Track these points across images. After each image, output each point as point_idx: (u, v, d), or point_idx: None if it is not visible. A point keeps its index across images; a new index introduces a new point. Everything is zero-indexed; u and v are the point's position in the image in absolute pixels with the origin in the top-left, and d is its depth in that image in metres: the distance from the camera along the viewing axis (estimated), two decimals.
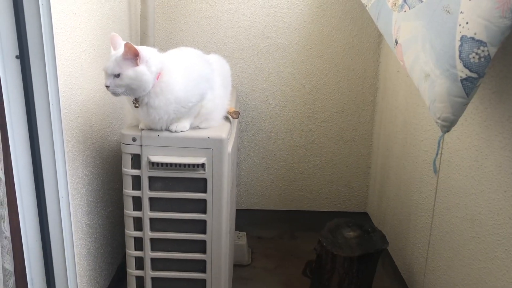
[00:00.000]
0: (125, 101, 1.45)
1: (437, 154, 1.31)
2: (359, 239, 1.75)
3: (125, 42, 1.25)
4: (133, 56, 1.27)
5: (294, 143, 2.41)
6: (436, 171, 1.54)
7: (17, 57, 1.16)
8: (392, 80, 2.09)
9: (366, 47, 2.26)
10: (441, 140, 1.50)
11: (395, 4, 1.26)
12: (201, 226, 1.49)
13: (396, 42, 1.23)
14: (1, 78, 1.14)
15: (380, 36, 2.23)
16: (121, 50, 1.28)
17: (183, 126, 1.42)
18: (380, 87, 2.28)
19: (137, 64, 1.27)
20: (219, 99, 1.52)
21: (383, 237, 1.76)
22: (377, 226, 1.91)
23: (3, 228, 1.22)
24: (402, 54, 1.19)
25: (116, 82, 1.27)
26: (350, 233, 1.79)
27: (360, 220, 1.90)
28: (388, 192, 2.12)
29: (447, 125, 1.01)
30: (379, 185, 2.27)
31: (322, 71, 2.30)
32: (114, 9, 1.78)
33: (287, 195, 2.49)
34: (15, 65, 1.16)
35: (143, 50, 1.29)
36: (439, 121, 1.02)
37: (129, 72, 1.26)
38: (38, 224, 1.30)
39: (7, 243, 1.24)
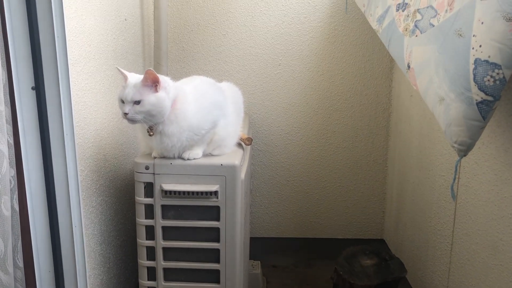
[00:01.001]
0: (139, 130, 1.46)
1: (454, 179, 1.28)
2: (377, 267, 1.70)
3: (147, 69, 1.27)
4: (152, 83, 1.28)
5: (307, 169, 2.39)
6: (454, 196, 1.51)
7: (32, 88, 1.18)
8: (405, 104, 2.08)
9: (378, 72, 2.26)
10: (458, 165, 1.47)
11: (406, 29, 1.26)
12: (214, 255, 1.47)
13: (409, 67, 1.22)
14: (17, 109, 1.16)
15: (392, 60, 2.23)
16: (136, 78, 1.30)
17: (196, 153, 1.42)
18: (394, 111, 2.27)
19: (157, 91, 1.29)
20: (231, 126, 1.52)
21: (401, 265, 1.71)
22: (394, 253, 1.86)
23: (16, 258, 1.22)
24: (415, 79, 1.18)
25: (136, 109, 1.28)
26: (367, 261, 1.74)
27: (377, 247, 1.86)
28: (405, 218, 2.08)
29: (464, 149, 0.99)
30: (396, 211, 2.23)
31: (334, 96, 2.29)
32: (128, 39, 1.81)
33: (302, 222, 2.46)
34: (31, 96, 1.18)
35: (161, 77, 1.31)
36: (455, 145, 1.00)
37: (151, 98, 1.28)
38: (51, 255, 1.29)
39: (20, 274, 1.23)
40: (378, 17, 1.53)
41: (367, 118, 2.31)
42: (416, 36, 1.19)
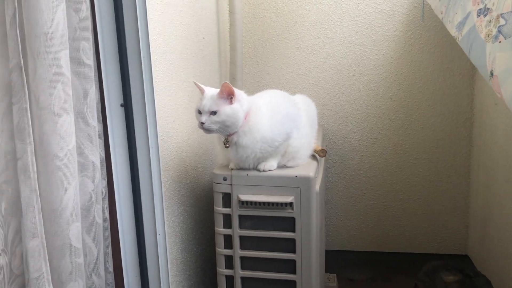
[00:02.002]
0: (216, 142, 1.52)
1: None
2: (460, 284, 1.62)
3: (223, 82, 1.34)
4: (227, 95, 1.35)
5: (384, 182, 2.33)
6: None
7: (121, 105, 1.28)
8: (489, 113, 1.97)
9: (459, 80, 2.16)
10: None
11: (489, 35, 1.21)
12: (290, 266, 1.48)
13: (492, 74, 1.17)
14: (108, 125, 1.27)
15: (473, 68, 2.13)
16: (212, 91, 1.37)
17: (271, 165, 1.45)
18: (476, 121, 2.15)
19: (231, 103, 1.35)
20: (305, 138, 1.53)
21: (487, 283, 1.62)
22: (479, 270, 1.76)
23: (107, 263, 1.31)
24: (499, 86, 1.13)
25: (212, 119, 1.35)
26: (450, 277, 1.66)
27: (461, 263, 1.77)
28: (491, 233, 1.96)
29: None
30: (481, 225, 2.11)
31: (412, 106, 2.23)
32: (206, 57, 1.90)
33: (379, 235, 2.40)
34: (120, 112, 1.28)
35: (236, 90, 1.37)
36: None
37: (226, 109, 1.34)
38: (138, 261, 1.38)
39: (111, 278, 1.33)
40: (457, 23, 1.48)
41: (448, 128, 2.22)
42: (500, 42, 1.14)
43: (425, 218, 2.33)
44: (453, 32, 1.52)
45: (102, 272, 1.27)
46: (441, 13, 1.68)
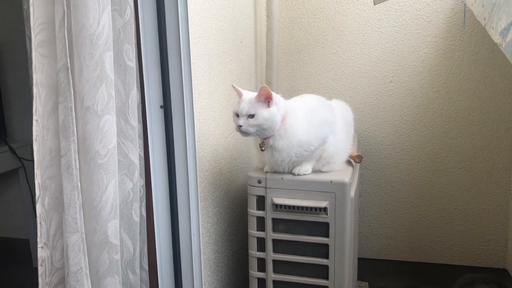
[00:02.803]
0: (252, 146, 1.53)
1: None
2: None
3: (261, 86, 1.35)
4: (265, 99, 1.35)
5: (420, 190, 2.29)
6: None
7: (161, 107, 1.31)
8: None
9: (501, 88, 2.10)
10: None
11: None
12: (323, 272, 1.47)
13: None
14: (148, 125, 1.30)
15: None
16: (250, 94, 1.38)
17: (306, 169, 1.45)
18: None
19: (269, 106, 1.35)
20: (341, 143, 1.52)
21: None
22: None
23: (142, 261, 1.34)
24: None
25: (249, 122, 1.36)
26: None
27: (499, 277, 1.72)
28: None
29: None
30: None
31: (451, 114, 2.18)
32: (243, 60, 1.92)
33: (413, 245, 2.35)
34: (160, 114, 1.31)
35: (274, 93, 1.38)
36: None
37: (264, 112, 1.35)
38: (172, 260, 1.40)
39: (145, 276, 1.35)
40: (501, 30, 1.44)
41: (488, 137, 2.16)
42: None
43: (461, 230, 2.27)
44: (496, 38, 1.48)
45: (138, 270, 1.30)
46: (484, 19, 1.64)
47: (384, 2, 2.14)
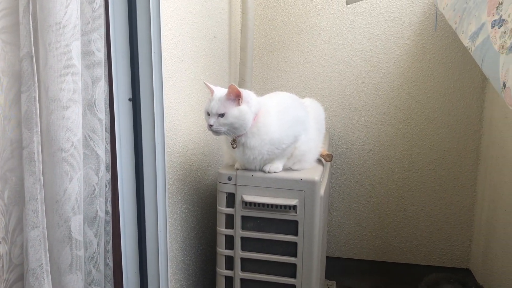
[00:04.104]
0: (223, 142, 1.51)
1: None
2: None
3: (230, 84, 1.32)
4: (235, 97, 1.33)
5: (389, 191, 2.32)
6: None
7: (130, 99, 1.28)
8: (498, 126, 1.95)
9: (469, 91, 2.15)
10: None
11: (503, 46, 1.20)
12: (291, 270, 1.47)
13: (504, 86, 1.16)
14: (115, 118, 1.26)
15: (484, 80, 2.11)
16: (221, 91, 1.36)
17: (276, 167, 1.44)
18: (485, 134, 2.14)
19: (239, 104, 1.33)
20: (312, 142, 1.52)
21: None
22: (482, 285, 1.74)
23: (107, 258, 1.31)
24: (511, 99, 1.11)
25: (220, 121, 1.33)
26: None
27: (463, 276, 1.75)
28: (495, 248, 1.93)
29: None
30: (484, 239, 2.09)
31: (420, 116, 2.22)
32: (217, 56, 1.89)
33: (381, 245, 2.38)
34: (128, 106, 1.27)
35: (244, 91, 1.36)
36: None
37: (234, 111, 1.33)
38: (138, 257, 1.37)
39: (110, 273, 1.32)
40: (471, 34, 1.47)
41: (456, 140, 2.20)
42: None
43: (428, 230, 2.31)
44: (466, 42, 1.51)
45: (102, 266, 1.26)
46: (455, 23, 1.67)
47: (358, 3, 2.15)
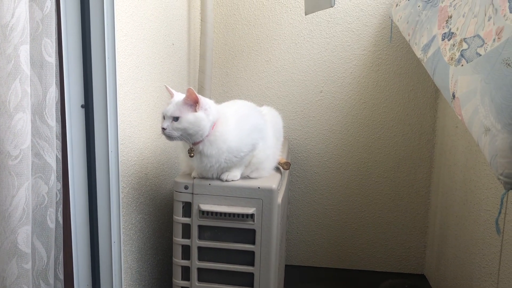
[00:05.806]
0: (180, 150, 1.49)
1: (499, 213, 1.22)
2: None
3: (188, 88, 1.31)
4: (193, 102, 1.31)
5: (347, 198, 2.35)
6: (499, 231, 1.44)
7: (82, 106, 1.24)
8: (450, 135, 2.02)
9: (423, 101, 2.22)
10: (505, 198, 1.41)
11: (452, 58, 1.25)
12: (248, 279, 1.46)
13: (454, 96, 1.20)
14: (67, 126, 1.22)
15: (437, 90, 2.19)
16: (180, 96, 1.34)
17: (234, 175, 1.43)
18: (438, 142, 2.21)
19: (196, 110, 1.31)
20: (270, 150, 1.52)
21: None
22: None
23: (57, 270, 1.26)
24: (460, 108, 1.15)
25: (174, 126, 1.31)
26: None
27: (417, 282, 1.79)
28: (447, 254, 2.00)
29: (511, 182, 0.95)
30: (438, 245, 2.15)
31: (376, 125, 2.27)
32: (175, 63, 1.87)
33: (339, 252, 2.41)
34: (80, 113, 1.23)
35: (202, 98, 1.34)
36: (501, 177, 0.96)
37: (189, 116, 1.30)
38: (90, 269, 1.32)
39: (60, 286, 1.27)
40: (423, 46, 1.52)
41: (410, 148, 2.26)
42: (462, 65, 1.17)
43: (384, 237, 2.36)
44: (419, 54, 1.56)
45: (51, 279, 1.21)
46: (408, 35, 1.72)
47: (316, 13, 2.18)
